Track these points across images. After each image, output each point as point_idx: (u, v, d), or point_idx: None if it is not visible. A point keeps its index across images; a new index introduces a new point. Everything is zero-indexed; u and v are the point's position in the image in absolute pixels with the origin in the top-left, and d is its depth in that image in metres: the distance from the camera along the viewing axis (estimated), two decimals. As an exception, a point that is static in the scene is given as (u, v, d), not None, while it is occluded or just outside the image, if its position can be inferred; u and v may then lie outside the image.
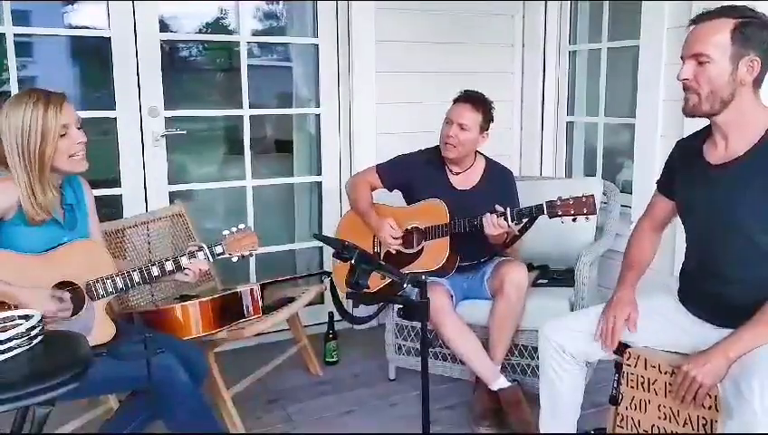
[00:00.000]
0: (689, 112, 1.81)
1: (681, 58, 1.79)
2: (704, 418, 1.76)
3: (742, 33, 1.70)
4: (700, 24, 1.75)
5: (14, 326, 1.54)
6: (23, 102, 1.94)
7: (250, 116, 3.48)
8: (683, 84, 1.79)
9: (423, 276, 1.84)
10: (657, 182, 2.10)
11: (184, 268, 2.21)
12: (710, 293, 1.87)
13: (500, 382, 2.62)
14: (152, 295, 2.87)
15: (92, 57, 3.97)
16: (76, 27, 3.79)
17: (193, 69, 4.61)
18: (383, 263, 1.94)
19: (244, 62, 3.39)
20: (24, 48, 3.09)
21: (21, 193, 1.94)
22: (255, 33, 4.02)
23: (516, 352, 2.80)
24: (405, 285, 1.84)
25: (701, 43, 1.73)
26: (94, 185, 2.29)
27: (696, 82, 1.75)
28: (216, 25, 4.04)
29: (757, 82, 1.75)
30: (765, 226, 1.74)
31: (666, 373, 1.84)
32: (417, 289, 1.82)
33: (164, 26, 3.40)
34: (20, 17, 2.96)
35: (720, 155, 1.83)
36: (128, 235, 2.86)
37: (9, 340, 1.46)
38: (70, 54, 4.38)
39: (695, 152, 1.91)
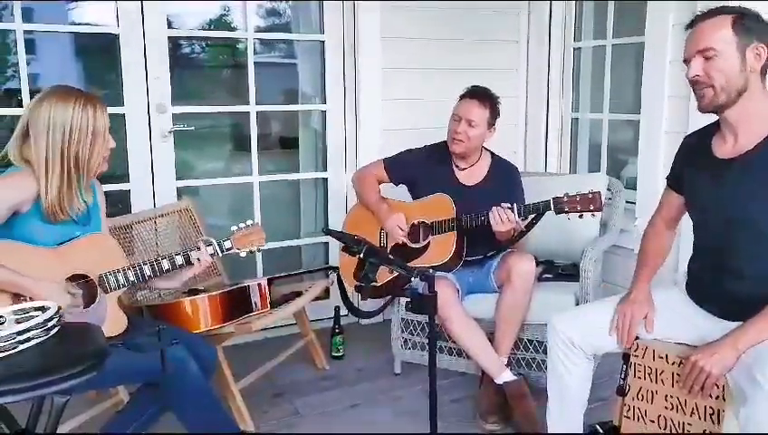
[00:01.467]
0: (706, 106, 1.80)
1: (684, 61, 1.81)
2: (711, 407, 1.79)
3: (742, 25, 1.73)
4: (699, 23, 1.78)
5: (29, 318, 1.56)
6: (70, 102, 1.93)
7: (256, 112, 3.50)
8: (693, 82, 1.79)
9: (430, 270, 1.86)
10: (667, 178, 2.11)
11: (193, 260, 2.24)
12: (718, 287, 1.88)
13: (505, 376, 2.64)
14: (159, 290, 2.89)
15: (98, 54, 3.98)
16: (80, 24, 3.80)
17: (200, 66, 4.63)
18: (391, 257, 1.95)
19: (251, 58, 3.41)
20: (28, 45, 3.09)
21: (47, 191, 1.94)
22: (262, 30, 4.04)
23: (522, 347, 2.82)
24: (412, 279, 1.86)
25: (705, 39, 1.75)
26: (103, 180, 2.31)
27: (708, 77, 1.76)
28: (220, 23, 4.04)
29: (764, 71, 1.77)
30: None
31: (673, 364, 1.86)
32: (424, 283, 1.84)
33: (168, 23, 3.41)
34: (24, 14, 2.98)
35: (728, 150, 1.84)
36: (136, 230, 2.89)
37: (26, 331, 1.48)
38: (74, 52, 4.39)
39: (703, 148, 1.92)
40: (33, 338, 1.48)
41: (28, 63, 2.99)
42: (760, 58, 1.74)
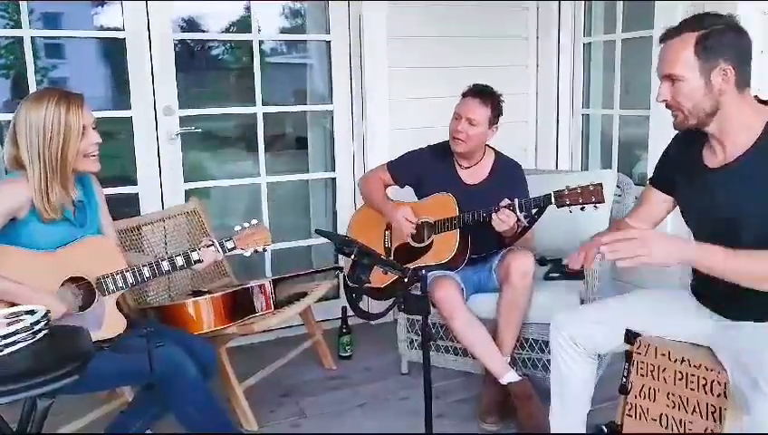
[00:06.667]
0: (678, 126, 1.81)
1: (658, 77, 1.78)
2: (712, 405, 1.74)
3: (705, 46, 1.67)
4: (667, 41, 1.74)
5: (20, 321, 1.58)
6: (43, 102, 1.96)
7: (266, 113, 3.51)
8: (664, 104, 1.78)
9: (423, 270, 1.84)
10: (652, 178, 2.06)
11: (195, 261, 2.24)
12: (723, 287, 1.82)
13: (509, 376, 2.60)
14: (169, 290, 2.92)
15: (114, 57, 4.03)
16: (107, 29, 3.83)
17: (212, 67, 4.66)
18: (383, 257, 1.94)
19: (257, 59, 3.42)
20: (57, 50, 3.15)
21: (34, 192, 1.96)
22: (284, 32, 4.05)
23: (527, 347, 2.78)
24: (406, 279, 1.84)
25: (670, 64, 1.72)
26: (111, 183, 2.32)
27: (676, 102, 1.74)
28: (244, 24, 4.06)
29: (740, 85, 1.70)
30: None
31: (676, 361, 1.83)
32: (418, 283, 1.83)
33: (194, 25, 3.44)
34: (51, 20, 3.02)
35: (719, 159, 1.79)
36: (144, 232, 2.91)
37: (12, 334, 1.50)
38: (102, 55, 4.44)
39: (693, 157, 1.87)
40: (18, 342, 1.49)
41: (56, 67, 3.03)
42: (727, 78, 1.68)
